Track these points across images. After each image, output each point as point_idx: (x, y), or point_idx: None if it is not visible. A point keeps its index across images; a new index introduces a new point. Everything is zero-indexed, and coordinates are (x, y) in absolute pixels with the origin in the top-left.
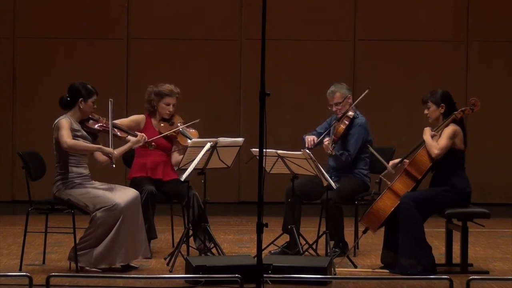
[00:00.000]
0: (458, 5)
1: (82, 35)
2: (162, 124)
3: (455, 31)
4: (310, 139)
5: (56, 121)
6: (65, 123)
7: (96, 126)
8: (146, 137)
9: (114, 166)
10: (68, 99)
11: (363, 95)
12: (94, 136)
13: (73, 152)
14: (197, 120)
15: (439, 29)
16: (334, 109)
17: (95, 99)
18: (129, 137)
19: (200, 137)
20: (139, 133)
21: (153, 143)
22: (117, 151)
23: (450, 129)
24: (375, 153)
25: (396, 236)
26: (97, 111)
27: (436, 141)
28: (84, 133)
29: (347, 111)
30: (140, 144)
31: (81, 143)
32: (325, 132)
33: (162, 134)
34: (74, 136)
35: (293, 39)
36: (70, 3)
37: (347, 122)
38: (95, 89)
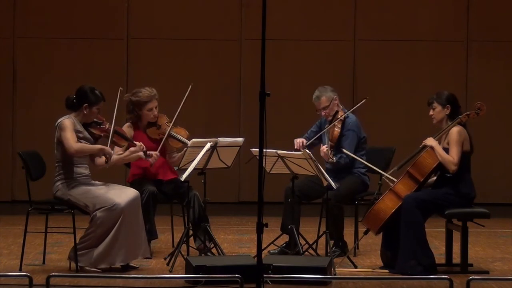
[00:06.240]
0: (458, 5)
1: (82, 35)
2: (149, 129)
3: (455, 31)
4: (299, 141)
5: (59, 120)
6: (69, 123)
7: (98, 131)
8: (145, 147)
9: (107, 165)
10: (74, 100)
11: (360, 103)
12: (95, 138)
13: (79, 155)
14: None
15: (439, 29)
16: (322, 113)
17: (100, 106)
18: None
19: (200, 137)
20: (137, 143)
21: (149, 153)
22: (115, 157)
23: (455, 134)
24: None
25: (394, 236)
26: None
27: (443, 141)
28: (87, 134)
29: (337, 113)
30: (138, 153)
31: (86, 146)
32: (316, 136)
33: (159, 146)
34: (77, 138)
35: (293, 39)
36: (70, 3)
37: (339, 125)
38: (103, 95)
